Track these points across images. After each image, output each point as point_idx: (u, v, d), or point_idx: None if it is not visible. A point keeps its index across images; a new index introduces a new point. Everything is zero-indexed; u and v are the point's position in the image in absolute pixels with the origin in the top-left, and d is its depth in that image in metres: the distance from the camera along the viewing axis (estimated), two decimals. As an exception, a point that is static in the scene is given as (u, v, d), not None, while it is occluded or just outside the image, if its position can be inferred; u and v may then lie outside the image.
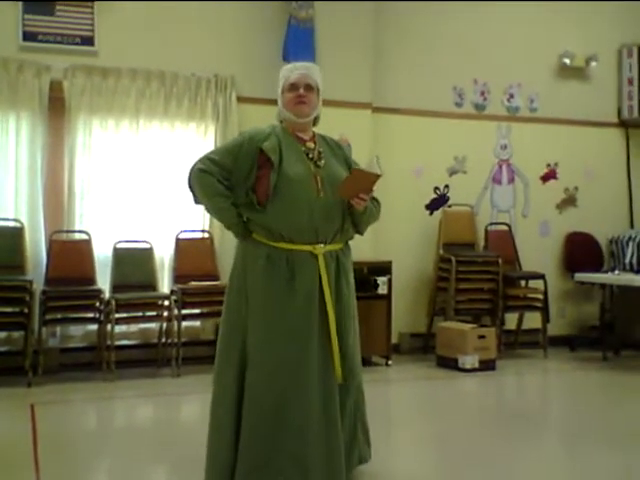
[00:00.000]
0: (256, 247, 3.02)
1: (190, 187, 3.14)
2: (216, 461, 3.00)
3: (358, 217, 3.11)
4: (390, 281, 6.13)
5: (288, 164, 3.00)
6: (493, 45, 7.11)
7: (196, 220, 6.12)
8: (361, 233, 3.24)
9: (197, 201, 3.18)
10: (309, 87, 3.09)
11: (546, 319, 6.74)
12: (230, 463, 2.95)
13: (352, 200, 3.00)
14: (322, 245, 3.01)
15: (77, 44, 5.84)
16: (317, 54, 6.25)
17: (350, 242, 3.22)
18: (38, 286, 5.47)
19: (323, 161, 3.09)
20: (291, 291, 2.96)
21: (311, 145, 3.12)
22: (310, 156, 3.08)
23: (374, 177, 3.01)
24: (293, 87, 3.09)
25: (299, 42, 6.21)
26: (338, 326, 3.02)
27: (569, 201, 7.49)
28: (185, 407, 5.09)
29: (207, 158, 3.08)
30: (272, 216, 2.98)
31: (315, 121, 3.20)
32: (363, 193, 2.98)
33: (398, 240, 6.70)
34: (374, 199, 3.20)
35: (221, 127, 6.12)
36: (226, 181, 3.02)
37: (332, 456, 2.95)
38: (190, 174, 3.11)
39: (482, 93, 7.16)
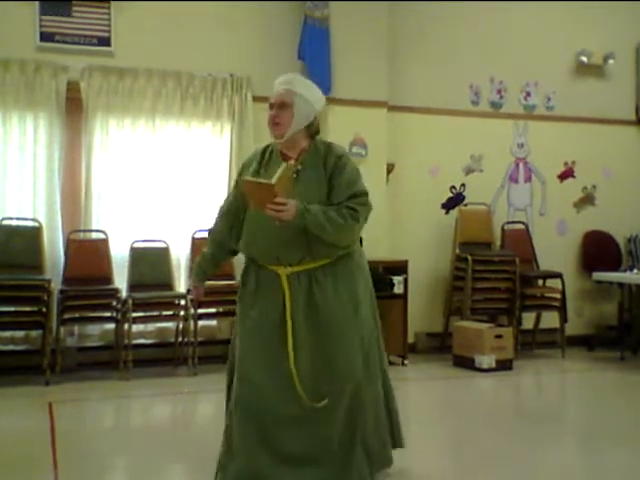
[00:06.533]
0: (247, 262, 3.18)
1: None
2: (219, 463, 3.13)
3: (311, 233, 2.94)
4: (406, 280, 6.11)
5: None
6: (510, 43, 7.07)
7: (212, 219, 6.12)
8: (340, 246, 3.02)
9: None
10: (282, 105, 3.01)
11: (564, 319, 6.69)
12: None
13: (266, 212, 2.87)
14: (289, 267, 2.99)
15: (94, 45, 5.87)
16: (332, 53, 6.25)
17: (366, 241, 3.17)
18: (56, 285, 5.50)
19: (295, 184, 2.99)
20: (254, 306, 3.05)
21: (291, 164, 3.05)
22: None
23: (267, 187, 2.86)
24: (270, 106, 3.07)
25: (314, 42, 6.21)
26: (312, 342, 2.98)
27: (587, 199, 7.43)
28: (201, 406, 5.10)
29: (218, 213, 3.30)
30: (243, 240, 3.13)
31: (312, 131, 3.10)
32: (268, 203, 2.84)
33: (414, 239, 6.68)
34: (349, 207, 2.96)
35: (237, 127, 6.13)
36: (237, 221, 3.17)
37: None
38: None
39: (499, 91, 7.12)
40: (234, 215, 3.20)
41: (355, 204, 2.98)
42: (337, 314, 3.01)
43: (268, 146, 3.19)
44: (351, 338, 3.03)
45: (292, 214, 2.87)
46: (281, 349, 2.96)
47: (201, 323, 5.87)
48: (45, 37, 5.75)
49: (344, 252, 3.05)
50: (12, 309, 5.39)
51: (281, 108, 3.02)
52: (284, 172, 2.91)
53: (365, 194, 3.04)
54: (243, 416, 3.00)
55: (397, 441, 3.32)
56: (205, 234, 6.02)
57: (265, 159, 3.13)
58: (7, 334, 5.60)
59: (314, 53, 6.21)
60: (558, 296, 6.71)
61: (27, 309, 5.44)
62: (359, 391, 3.03)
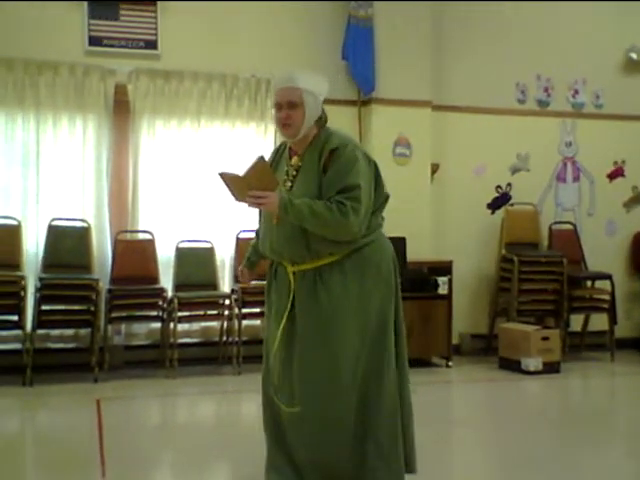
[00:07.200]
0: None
1: None
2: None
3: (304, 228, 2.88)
4: (451, 281, 6.05)
5: None
6: (557, 40, 6.95)
7: (256, 220, 6.15)
8: (341, 242, 2.88)
9: None
10: (292, 105, 2.88)
11: (613, 321, 6.56)
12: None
13: (250, 205, 2.86)
14: (296, 265, 2.95)
15: (141, 48, 5.96)
16: (376, 53, 6.23)
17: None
18: (104, 285, 5.61)
19: (292, 183, 2.96)
20: (271, 301, 3.08)
21: (294, 161, 3.00)
22: (287, 176, 2.99)
23: (238, 179, 2.82)
24: (277, 107, 2.93)
25: (358, 41, 6.21)
26: (311, 340, 2.91)
27: (637, 199, 7.27)
28: (246, 404, 5.13)
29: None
30: (259, 237, 3.19)
31: (320, 123, 2.98)
32: (245, 196, 2.81)
33: (459, 240, 6.61)
34: (338, 202, 2.81)
35: (281, 127, 6.16)
36: None
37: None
38: None
39: (546, 89, 7.01)
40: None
41: (344, 198, 2.81)
42: (338, 313, 2.88)
43: (282, 144, 3.15)
44: (351, 338, 2.90)
45: (274, 206, 2.79)
46: (286, 346, 2.97)
47: (245, 322, 5.91)
48: (93, 41, 5.86)
49: (350, 248, 2.90)
50: (62, 308, 5.50)
51: (291, 108, 2.89)
52: (256, 165, 2.82)
53: (357, 187, 2.82)
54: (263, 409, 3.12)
55: (407, 462, 2.99)
56: (249, 234, 6.14)
57: (277, 157, 3.12)
58: (57, 332, 5.72)
59: (358, 53, 6.21)
60: (607, 298, 6.57)
61: (76, 308, 5.55)
62: (366, 390, 2.93)
